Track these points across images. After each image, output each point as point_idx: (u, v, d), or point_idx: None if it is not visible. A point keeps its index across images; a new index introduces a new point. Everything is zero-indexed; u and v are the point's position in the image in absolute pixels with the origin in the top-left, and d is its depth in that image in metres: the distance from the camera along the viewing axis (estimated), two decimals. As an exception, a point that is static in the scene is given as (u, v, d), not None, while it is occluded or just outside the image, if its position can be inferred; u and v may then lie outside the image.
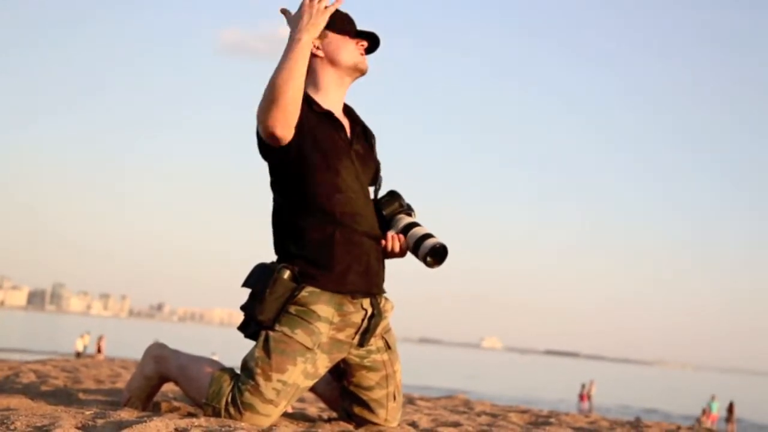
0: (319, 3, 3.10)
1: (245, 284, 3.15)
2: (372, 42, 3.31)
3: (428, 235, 3.17)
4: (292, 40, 3.07)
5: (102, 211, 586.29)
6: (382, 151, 3.40)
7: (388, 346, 3.32)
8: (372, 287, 3.22)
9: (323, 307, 3.10)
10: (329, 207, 3.13)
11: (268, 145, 3.13)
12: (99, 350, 35.65)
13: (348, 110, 3.36)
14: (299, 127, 3.11)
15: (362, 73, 3.30)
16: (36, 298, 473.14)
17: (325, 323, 3.10)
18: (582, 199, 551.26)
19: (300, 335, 3.07)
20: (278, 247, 3.20)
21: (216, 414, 3.06)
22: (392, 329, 3.37)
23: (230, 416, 3.04)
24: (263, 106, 3.04)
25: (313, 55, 3.22)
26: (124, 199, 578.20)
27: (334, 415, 3.50)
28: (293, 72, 3.03)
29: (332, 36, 3.24)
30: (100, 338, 36.99)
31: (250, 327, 3.13)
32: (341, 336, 3.17)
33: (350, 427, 3.29)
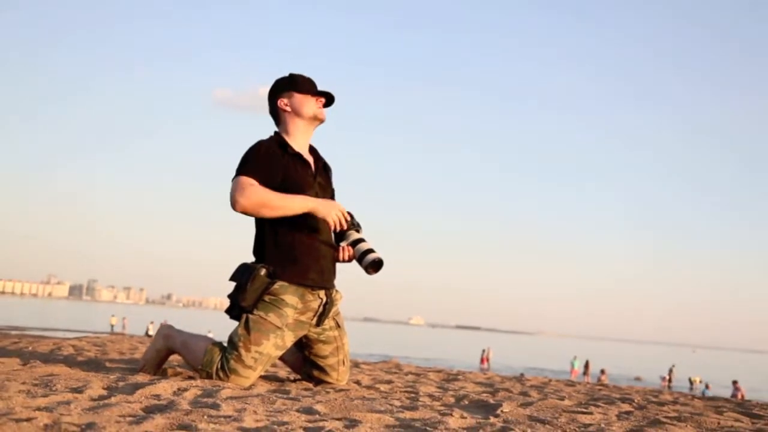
0: (337, 216, 3.09)
1: (231, 278, 3.13)
2: (329, 98, 3.32)
3: (371, 250, 3.17)
4: (306, 201, 3.07)
5: (127, 223, 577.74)
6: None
7: (338, 325, 3.32)
8: (326, 282, 3.22)
9: (290, 296, 3.10)
10: (297, 221, 3.13)
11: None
12: (124, 327, 37.64)
13: (312, 150, 3.35)
14: (280, 166, 3.12)
15: (321, 121, 3.31)
16: (75, 291, 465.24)
17: (291, 309, 3.10)
18: (485, 198, 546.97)
19: (272, 317, 3.06)
20: (257, 246, 3.19)
21: (209, 377, 3.05)
22: (341, 313, 3.37)
23: (219, 379, 3.03)
24: (250, 196, 2.99)
25: (282, 110, 3.26)
26: (146, 214, 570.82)
27: (298, 376, 3.50)
28: (281, 210, 3.04)
29: (296, 95, 3.26)
30: (123, 319, 38.24)
31: (234, 311, 3.11)
32: (303, 318, 3.16)
33: (310, 385, 3.28)
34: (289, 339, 3.14)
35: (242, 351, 3.03)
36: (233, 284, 3.11)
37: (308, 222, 3.15)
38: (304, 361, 3.34)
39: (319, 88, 3.32)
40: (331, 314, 3.27)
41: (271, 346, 3.07)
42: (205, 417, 2.13)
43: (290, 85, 3.28)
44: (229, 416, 2.17)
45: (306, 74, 3.33)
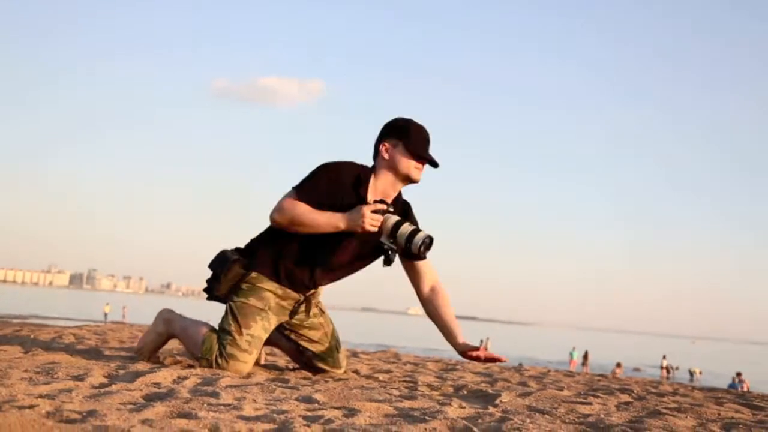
0: (369, 221, 2.95)
1: (210, 266, 3.17)
2: (432, 164, 3.11)
3: (417, 230, 3.00)
4: (337, 220, 2.98)
5: (126, 213, 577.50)
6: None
7: (322, 312, 3.35)
8: (305, 290, 3.21)
9: (267, 283, 3.12)
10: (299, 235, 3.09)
11: None
12: (123, 316, 37.45)
13: (395, 202, 3.15)
14: (338, 198, 3.01)
15: (413, 182, 3.13)
16: (76, 280, 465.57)
17: (270, 293, 3.12)
18: (484, 191, 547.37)
19: (253, 301, 3.10)
20: (257, 238, 3.20)
21: (209, 365, 3.05)
22: (321, 301, 3.37)
23: (219, 366, 3.03)
24: (284, 215, 3.00)
25: (381, 155, 3.09)
26: (146, 204, 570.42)
27: (297, 366, 3.50)
28: (310, 229, 3.00)
29: (402, 148, 3.05)
30: (124, 307, 38.14)
31: (211, 293, 3.16)
32: (284, 304, 3.18)
33: (309, 374, 3.30)
34: (274, 321, 3.16)
35: (236, 335, 3.05)
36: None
37: (310, 236, 3.07)
38: (300, 351, 3.35)
39: (429, 146, 3.10)
40: (313, 302, 3.29)
41: (260, 328, 3.09)
42: (205, 405, 2.14)
43: (402, 134, 3.07)
44: (229, 404, 2.18)
45: (426, 127, 3.12)
